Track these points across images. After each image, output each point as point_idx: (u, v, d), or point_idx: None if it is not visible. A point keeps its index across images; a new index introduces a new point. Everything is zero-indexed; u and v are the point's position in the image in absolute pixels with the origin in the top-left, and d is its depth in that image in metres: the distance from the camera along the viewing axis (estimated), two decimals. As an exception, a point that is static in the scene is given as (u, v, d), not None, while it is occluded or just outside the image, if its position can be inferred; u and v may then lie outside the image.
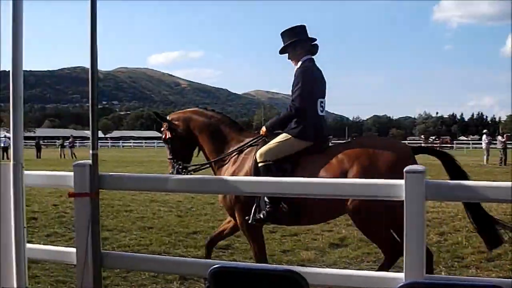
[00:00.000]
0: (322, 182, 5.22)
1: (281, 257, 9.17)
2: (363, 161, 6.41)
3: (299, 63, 7.17)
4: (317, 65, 7.31)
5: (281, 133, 7.09)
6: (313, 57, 7.29)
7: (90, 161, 5.43)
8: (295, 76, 7.12)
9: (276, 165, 6.79)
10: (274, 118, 7.54)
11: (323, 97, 7.23)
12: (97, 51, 5.36)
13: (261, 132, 7.33)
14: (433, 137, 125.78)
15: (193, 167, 7.68)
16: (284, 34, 7.27)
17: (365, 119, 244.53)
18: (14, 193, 4.43)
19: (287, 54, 7.34)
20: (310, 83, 7.03)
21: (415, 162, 6.27)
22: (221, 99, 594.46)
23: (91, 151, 5.44)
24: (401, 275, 4.42)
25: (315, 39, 7.30)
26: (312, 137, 6.95)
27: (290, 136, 6.96)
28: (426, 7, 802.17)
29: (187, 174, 7.41)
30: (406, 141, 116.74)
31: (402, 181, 4.29)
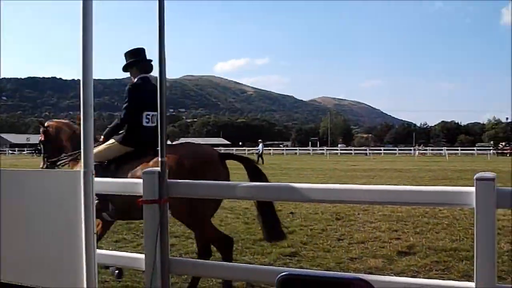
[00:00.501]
0: (385, 190, 5.15)
1: (349, 264, 9.12)
2: (171, 164, 6.90)
3: (135, 80, 8.13)
4: (153, 82, 8.09)
5: None
6: (148, 75, 8.18)
7: (158, 169, 5.49)
8: (125, 92, 8.10)
9: (102, 166, 7.73)
10: (108, 127, 8.43)
11: (152, 110, 7.85)
12: (165, 59, 5.43)
13: (101, 139, 8.22)
14: (503, 143, 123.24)
15: (59, 162, 8.79)
16: (126, 55, 8.24)
17: (432, 125, 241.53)
18: (84, 200, 4.49)
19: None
20: (136, 98, 7.94)
21: (222, 166, 7.48)
22: (287, 106, 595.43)
23: (160, 159, 5.51)
24: (472, 284, 4.35)
25: (151, 60, 8.11)
26: (132, 143, 7.95)
27: (114, 141, 8.00)
28: (495, 11, 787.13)
29: (54, 168, 8.65)
30: (475, 148, 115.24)
31: (472, 189, 4.23)
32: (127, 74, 8.25)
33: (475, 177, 4.21)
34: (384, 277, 6.19)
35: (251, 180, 7.33)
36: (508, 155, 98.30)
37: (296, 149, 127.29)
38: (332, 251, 9.99)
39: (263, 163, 55.00)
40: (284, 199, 5.85)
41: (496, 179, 4.21)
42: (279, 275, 2.71)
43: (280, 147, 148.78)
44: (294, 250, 9.93)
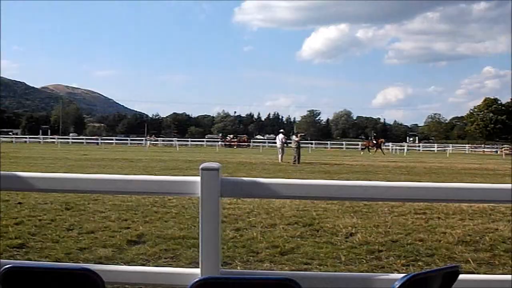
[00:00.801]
0: (115, 179, 5.17)
1: (78, 255, 9.00)
2: None
3: None
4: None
5: None
6: None
7: None
8: None
9: None
10: None
11: None
12: None
13: None
14: (231, 136, 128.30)
15: None
16: None
17: (164, 116, 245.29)
18: None
19: None
20: None
21: None
22: (18, 93, 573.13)
23: None
24: (197, 270, 4.48)
25: None
26: None
27: None
28: (227, 9, 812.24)
29: None
30: (204, 139, 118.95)
31: (198, 178, 4.35)
32: None
33: (200, 167, 4.35)
34: (112, 266, 6.20)
35: None
36: (235, 147, 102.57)
37: (26, 138, 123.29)
38: (61, 241, 9.81)
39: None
40: (10, 188, 5.64)
41: (220, 169, 4.38)
42: (2, 268, 2.63)
43: (10, 135, 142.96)
44: (21, 241, 9.63)
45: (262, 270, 7.94)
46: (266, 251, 9.34)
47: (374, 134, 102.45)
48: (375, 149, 76.54)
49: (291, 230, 11.28)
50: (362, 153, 75.98)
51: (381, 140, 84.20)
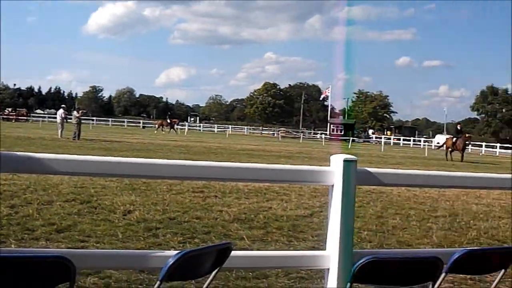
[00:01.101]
0: None
1: None
2: None
3: None
4: None
5: None
6: None
7: None
8: None
9: None
10: None
11: None
12: None
13: None
14: (10, 109, 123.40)
15: None
16: None
17: None
18: None
19: None
20: None
21: None
22: None
23: None
24: None
25: None
26: None
27: None
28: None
29: None
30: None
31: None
32: None
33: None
34: None
35: None
36: (13, 120, 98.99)
37: None
38: None
39: None
40: None
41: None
42: None
43: None
44: None
45: (37, 248, 7.79)
46: (42, 229, 9.16)
47: (169, 113, 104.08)
48: (169, 128, 78.17)
49: (68, 207, 11.13)
50: (156, 132, 76.48)
51: (175, 120, 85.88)
